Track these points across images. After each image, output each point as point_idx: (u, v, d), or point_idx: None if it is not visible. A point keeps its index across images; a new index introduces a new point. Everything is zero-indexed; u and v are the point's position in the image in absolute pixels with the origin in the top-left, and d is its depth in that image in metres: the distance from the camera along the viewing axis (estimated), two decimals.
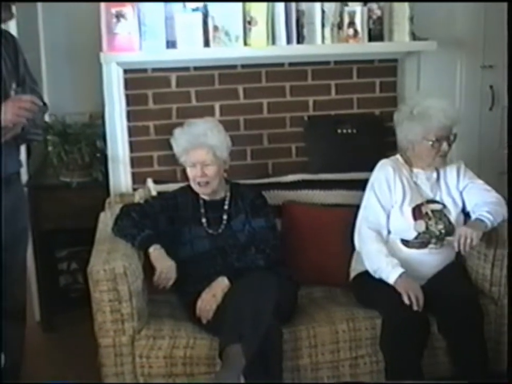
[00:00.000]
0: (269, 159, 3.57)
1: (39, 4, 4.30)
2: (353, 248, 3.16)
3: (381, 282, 2.97)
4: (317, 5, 3.36)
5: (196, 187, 3.10)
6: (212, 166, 3.06)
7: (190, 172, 3.09)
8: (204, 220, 3.11)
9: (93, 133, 3.62)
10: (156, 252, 2.95)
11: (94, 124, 3.70)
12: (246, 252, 3.03)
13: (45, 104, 2.97)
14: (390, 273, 2.94)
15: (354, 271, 3.17)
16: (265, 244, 3.05)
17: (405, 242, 3.07)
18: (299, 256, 3.20)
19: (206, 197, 3.13)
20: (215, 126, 3.13)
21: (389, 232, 3.10)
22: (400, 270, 2.93)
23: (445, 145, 3.06)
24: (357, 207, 3.16)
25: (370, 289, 3.03)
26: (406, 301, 2.83)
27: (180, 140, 3.10)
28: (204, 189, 3.09)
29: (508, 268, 2.99)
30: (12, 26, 3.68)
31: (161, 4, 3.30)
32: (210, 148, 3.06)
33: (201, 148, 3.06)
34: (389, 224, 3.10)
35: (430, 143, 3.05)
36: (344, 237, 3.18)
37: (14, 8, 2.75)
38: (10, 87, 2.74)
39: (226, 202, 3.14)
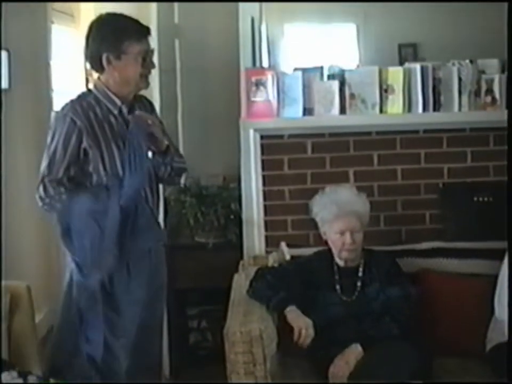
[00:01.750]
0: (402, 225, 3.56)
1: (178, 71, 4.53)
2: (489, 318, 3.08)
3: None
4: (455, 73, 3.37)
5: (342, 254, 3.10)
6: (359, 233, 3.08)
7: (338, 239, 3.09)
8: (337, 287, 3.11)
9: (228, 196, 3.74)
10: (293, 313, 2.97)
11: (229, 187, 3.81)
12: (380, 320, 3.01)
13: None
14: None
15: (490, 342, 3.08)
16: (400, 312, 3.02)
17: None
18: (434, 326, 3.14)
19: (341, 263, 3.14)
20: (359, 193, 3.17)
21: None
22: None
23: None
24: (495, 277, 3.09)
25: (508, 361, 2.93)
26: None
27: (330, 207, 3.11)
28: (350, 256, 3.11)
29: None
30: (155, 93, 3.90)
31: (299, 72, 3.41)
32: (359, 215, 3.09)
33: (351, 215, 3.08)
34: None
35: None
36: (480, 308, 3.11)
37: (149, 78, 2.87)
38: (146, 149, 2.83)
39: (361, 269, 3.13)
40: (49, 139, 2.74)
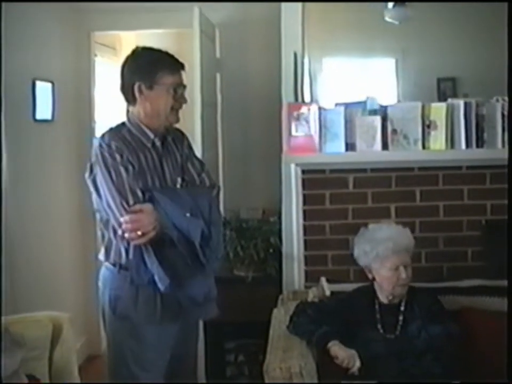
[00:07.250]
0: (444, 262, 3.53)
1: (219, 105, 4.55)
2: None
3: None
4: (498, 109, 3.35)
5: (396, 289, 3.06)
6: (410, 267, 3.06)
7: (392, 275, 3.04)
8: (379, 324, 3.07)
9: (268, 230, 3.73)
10: (336, 346, 2.93)
11: (269, 221, 3.81)
12: (422, 359, 2.96)
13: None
14: None
15: None
16: (442, 351, 2.97)
17: None
18: (476, 365, 3.08)
19: (385, 300, 3.10)
20: (404, 227, 3.15)
21: None
22: None
23: None
24: None
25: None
26: None
27: (386, 243, 3.06)
28: (403, 291, 3.07)
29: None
30: (196, 127, 3.93)
31: (342, 107, 3.41)
32: (409, 250, 3.09)
33: (404, 250, 3.07)
34: None
35: None
36: None
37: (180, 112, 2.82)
38: (176, 181, 2.81)
39: (402, 306, 3.09)
40: (100, 174, 2.63)
